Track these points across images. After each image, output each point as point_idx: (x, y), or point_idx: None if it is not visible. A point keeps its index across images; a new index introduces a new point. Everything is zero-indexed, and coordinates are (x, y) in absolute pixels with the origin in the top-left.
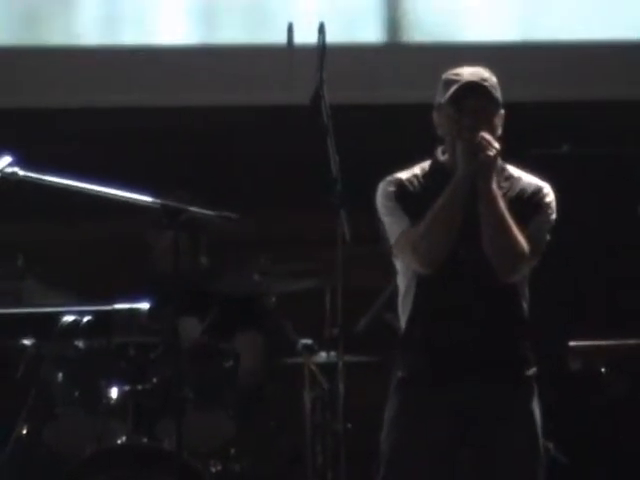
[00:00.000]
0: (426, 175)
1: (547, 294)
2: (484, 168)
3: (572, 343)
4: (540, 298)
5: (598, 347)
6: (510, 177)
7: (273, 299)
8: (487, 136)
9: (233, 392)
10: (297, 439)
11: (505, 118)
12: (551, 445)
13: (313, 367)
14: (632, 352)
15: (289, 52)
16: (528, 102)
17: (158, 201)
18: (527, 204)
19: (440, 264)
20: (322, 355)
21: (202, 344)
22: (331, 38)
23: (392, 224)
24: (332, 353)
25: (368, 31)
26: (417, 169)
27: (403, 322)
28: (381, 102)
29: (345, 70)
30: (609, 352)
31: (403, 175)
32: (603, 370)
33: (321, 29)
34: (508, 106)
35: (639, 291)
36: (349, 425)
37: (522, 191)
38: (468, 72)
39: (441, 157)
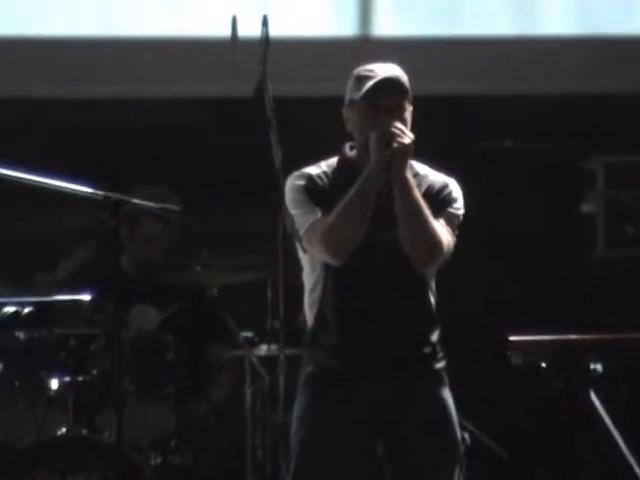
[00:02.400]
0: (334, 170)
1: (486, 289)
2: (399, 157)
3: (512, 338)
4: (479, 293)
5: (538, 342)
6: (417, 174)
7: (215, 291)
8: (400, 125)
9: (174, 385)
10: (237, 432)
11: (449, 113)
12: (467, 435)
13: (254, 360)
14: (572, 347)
15: (233, 45)
16: (469, 95)
17: (100, 193)
18: (435, 200)
19: (348, 256)
20: (263, 348)
21: (144, 336)
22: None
23: (301, 216)
24: (273, 346)
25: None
26: (324, 165)
27: (310, 318)
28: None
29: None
30: (549, 347)
31: (312, 170)
32: (543, 365)
33: (265, 22)
34: (450, 100)
35: (578, 287)
36: (289, 418)
37: (430, 187)
38: (381, 69)
39: (349, 153)
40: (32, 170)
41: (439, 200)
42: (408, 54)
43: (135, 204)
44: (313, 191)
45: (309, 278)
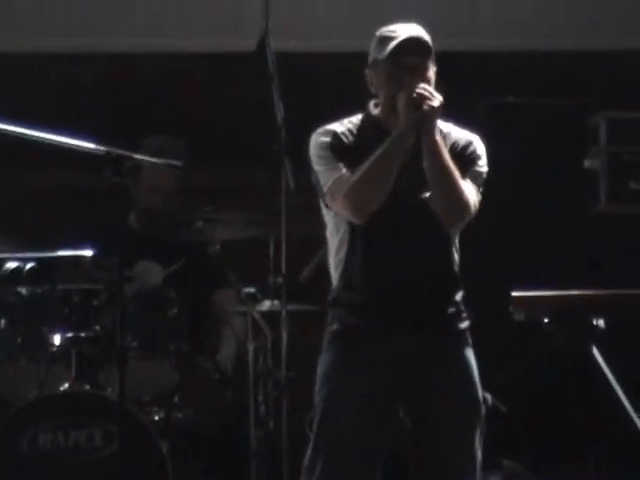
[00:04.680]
0: (359, 128)
1: (488, 245)
2: (428, 119)
3: (514, 294)
4: (482, 249)
5: (540, 298)
6: (441, 132)
7: (217, 247)
8: (429, 88)
9: (177, 341)
10: (240, 387)
11: (452, 68)
12: (489, 395)
13: (256, 315)
14: (574, 303)
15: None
16: (474, 52)
17: (102, 148)
18: (461, 157)
19: (370, 215)
20: (266, 304)
21: (147, 292)
22: None
23: (325, 172)
24: (276, 302)
25: None
26: (349, 122)
27: (335, 277)
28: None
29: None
30: (551, 303)
31: (337, 127)
32: (545, 321)
33: None
34: (453, 56)
35: (581, 243)
36: (291, 373)
37: (455, 145)
38: (404, 29)
39: (374, 111)
40: (35, 126)
41: (464, 158)
42: (405, 9)
43: (137, 159)
44: (338, 148)
45: (333, 237)
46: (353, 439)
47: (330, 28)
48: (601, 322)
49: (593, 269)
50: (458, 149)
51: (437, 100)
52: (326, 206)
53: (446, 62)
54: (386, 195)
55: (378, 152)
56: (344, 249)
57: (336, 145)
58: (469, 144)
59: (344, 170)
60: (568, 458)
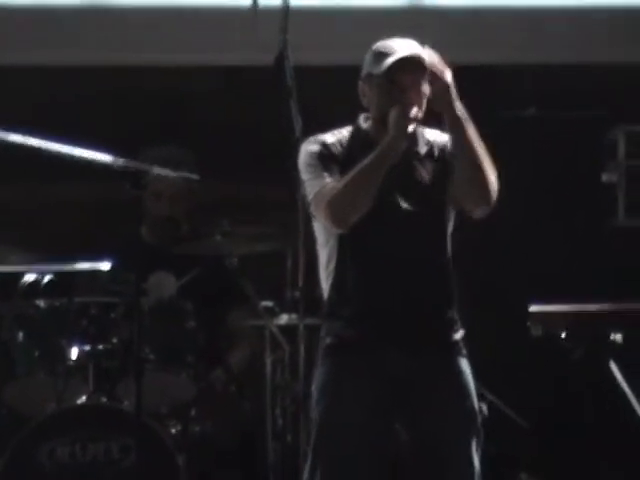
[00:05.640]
0: (348, 140)
1: (507, 259)
2: (442, 94)
3: (532, 309)
4: (500, 264)
5: (558, 313)
6: (428, 141)
7: (235, 261)
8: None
9: (194, 353)
10: (258, 401)
11: (473, 82)
12: (485, 405)
13: (274, 329)
14: (592, 317)
15: (254, 13)
16: (496, 65)
17: (121, 161)
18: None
19: (358, 226)
20: (283, 317)
21: (164, 304)
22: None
23: (312, 180)
24: (293, 315)
25: None
26: (339, 133)
27: (327, 289)
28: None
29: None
30: (569, 317)
31: (327, 137)
32: (563, 335)
33: None
34: (474, 69)
35: (597, 257)
36: (309, 387)
37: (443, 144)
38: (401, 45)
39: (363, 124)
40: (52, 138)
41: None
42: (428, 25)
43: (155, 173)
44: (326, 157)
45: (323, 249)
46: (351, 453)
47: (349, 41)
48: (619, 337)
49: (611, 283)
50: (442, 146)
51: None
52: (311, 215)
53: (467, 75)
54: (368, 206)
55: (363, 163)
56: (334, 261)
57: (325, 154)
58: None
59: (329, 179)
60: (585, 472)
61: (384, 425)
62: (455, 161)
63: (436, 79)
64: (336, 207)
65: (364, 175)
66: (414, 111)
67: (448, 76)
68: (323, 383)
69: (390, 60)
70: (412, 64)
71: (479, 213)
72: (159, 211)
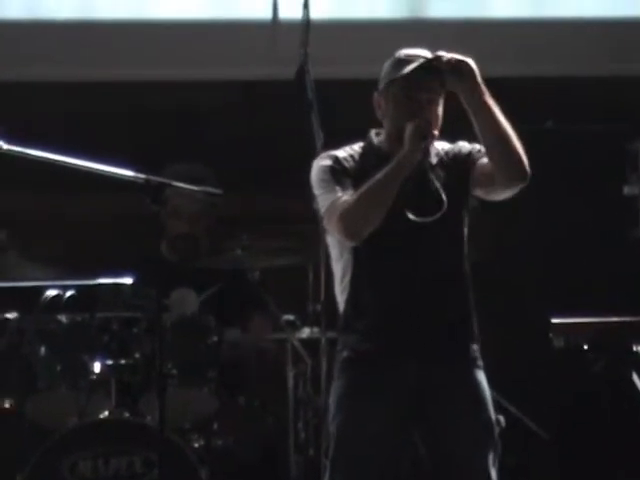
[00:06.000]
0: (361, 155)
1: (529, 271)
2: (467, 79)
3: (554, 321)
4: (523, 275)
5: (580, 324)
6: (437, 151)
7: (257, 275)
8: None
9: (216, 368)
10: (280, 415)
11: (492, 94)
12: (502, 417)
13: (296, 343)
14: (614, 329)
15: (273, 27)
16: (512, 77)
17: (142, 176)
18: (467, 158)
19: (380, 240)
20: (305, 331)
21: (186, 320)
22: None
23: (325, 195)
24: (315, 329)
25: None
26: (350, 149)
27: (341, 303)
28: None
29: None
30: (591, 329)
31: (339, 152)
32: (585, 347)
33: (306, 4)
34: (493, 82)
35: (619, 269)
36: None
37: (453, 153)
38: (418, 54)
39: (375, 139)
40: (72, 154)
41: (469, 155)
42: (445, 36)
43: (177, 187)
44: (339, 172)
45: (337, 264)
46: (368, 466)
47: (368, 54)
48: None
49: (632, 295)
50: (460, 153)
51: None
52: (323, 229)
53: (490, 88)
54: (380, 219)
55: (377, 176)
56: (348, 274)
57: (337, 169)
58: (462, 145)
59: (341, 193)
60: None
61: (401, 438)
62: (486, 141)
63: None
64: (348, 220)
65: (378, 188)
66: (430, 127)
67: (470, 61)
68: (339, 397)
69: (411, 66)
70: (430, 77)
71: (512, 190)
72: (179, 229)
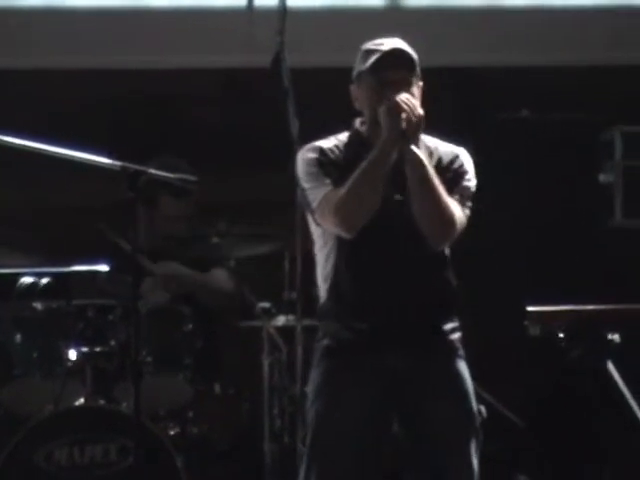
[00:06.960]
0: (346, 145)
1: (504, 260)
2: (410, 132)
3: (529, 309)
4: (498, 264)
5: (555, 313)
6: (427, 148)
7: (232, 262)
8: (411, 98)
9: (192, 355)
10: (255, 403)
11: (466, 83)
12: (483, 407)
13: (271, 330)
14: (589, 317)
15: (250, 14)
16: (487, 67)
17: (118, 163)
18: (447, 172)
19: (360, 229)
20: (280, 319)
21: (162, 307)
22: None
23: (314, 188)
24: (290, 317)
25: None
26: (335, 139)
27: (323, 291)
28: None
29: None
30: (566, 317)
31: (323, 143)
32: (561, 335)
33: None
34: (469, 71)
35: (594, 257)
36: (306, 389)
37: (440, 160)
38: (389, 43)
39: (360, 128)
40: (49, 141)
41: (451, 173)
42: (423, 25)
43: (152, 175)
44: (325, 164)
45: (321, 251)
46: (346, 454)
47: (345, 43)
48: (616, 337)
49: (608, 283)
50: (444, 164)
51: (418, 111)
52: (316, 223)
53: (461, 78)
54: (376, 207)
55: (363, 165)
56: (331, 262)
57: (323, 161)
58: (455, 158)
59: (332, 186)
60: (583, 473)
61: (380, 427)
62: (412, 197)
63: (406, 111)
64: (344, 212)
65: (365, 177)
66: (404, 103)
67: (417, 113)
68: (318, 385)
69: (376, 56)
70: (399, 59)
71: (437, 246)
72: (173, 230)
